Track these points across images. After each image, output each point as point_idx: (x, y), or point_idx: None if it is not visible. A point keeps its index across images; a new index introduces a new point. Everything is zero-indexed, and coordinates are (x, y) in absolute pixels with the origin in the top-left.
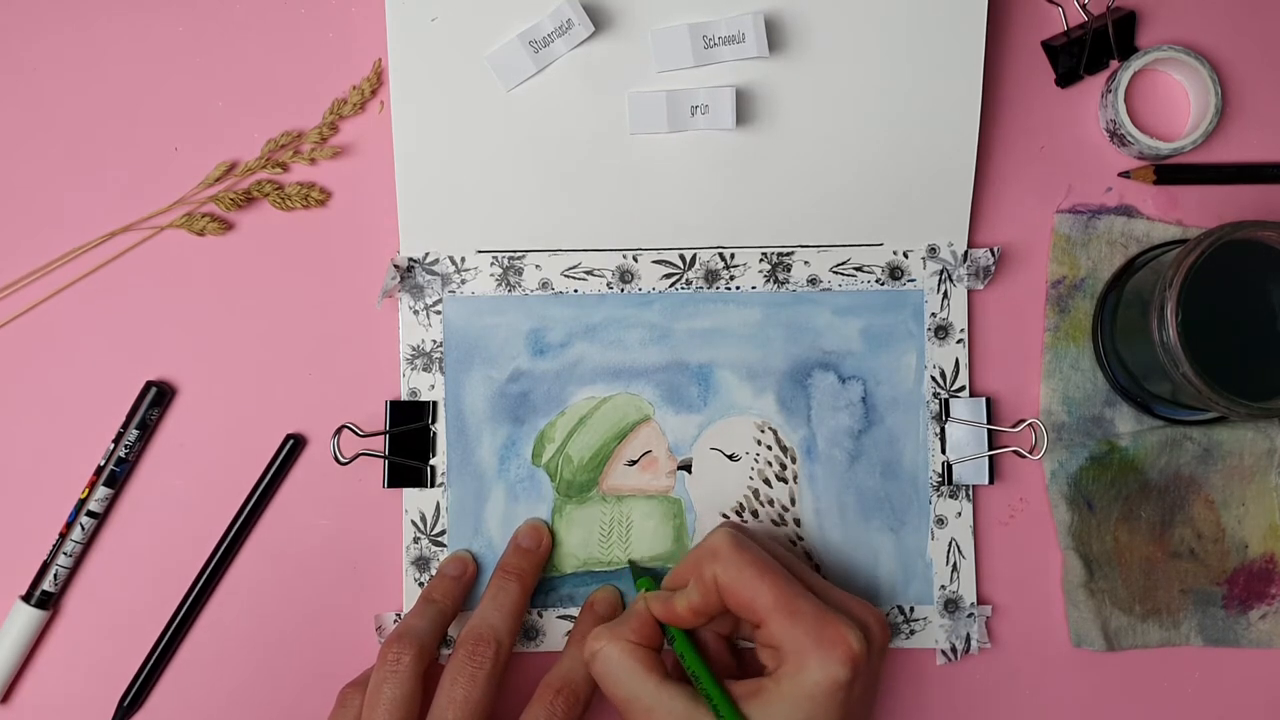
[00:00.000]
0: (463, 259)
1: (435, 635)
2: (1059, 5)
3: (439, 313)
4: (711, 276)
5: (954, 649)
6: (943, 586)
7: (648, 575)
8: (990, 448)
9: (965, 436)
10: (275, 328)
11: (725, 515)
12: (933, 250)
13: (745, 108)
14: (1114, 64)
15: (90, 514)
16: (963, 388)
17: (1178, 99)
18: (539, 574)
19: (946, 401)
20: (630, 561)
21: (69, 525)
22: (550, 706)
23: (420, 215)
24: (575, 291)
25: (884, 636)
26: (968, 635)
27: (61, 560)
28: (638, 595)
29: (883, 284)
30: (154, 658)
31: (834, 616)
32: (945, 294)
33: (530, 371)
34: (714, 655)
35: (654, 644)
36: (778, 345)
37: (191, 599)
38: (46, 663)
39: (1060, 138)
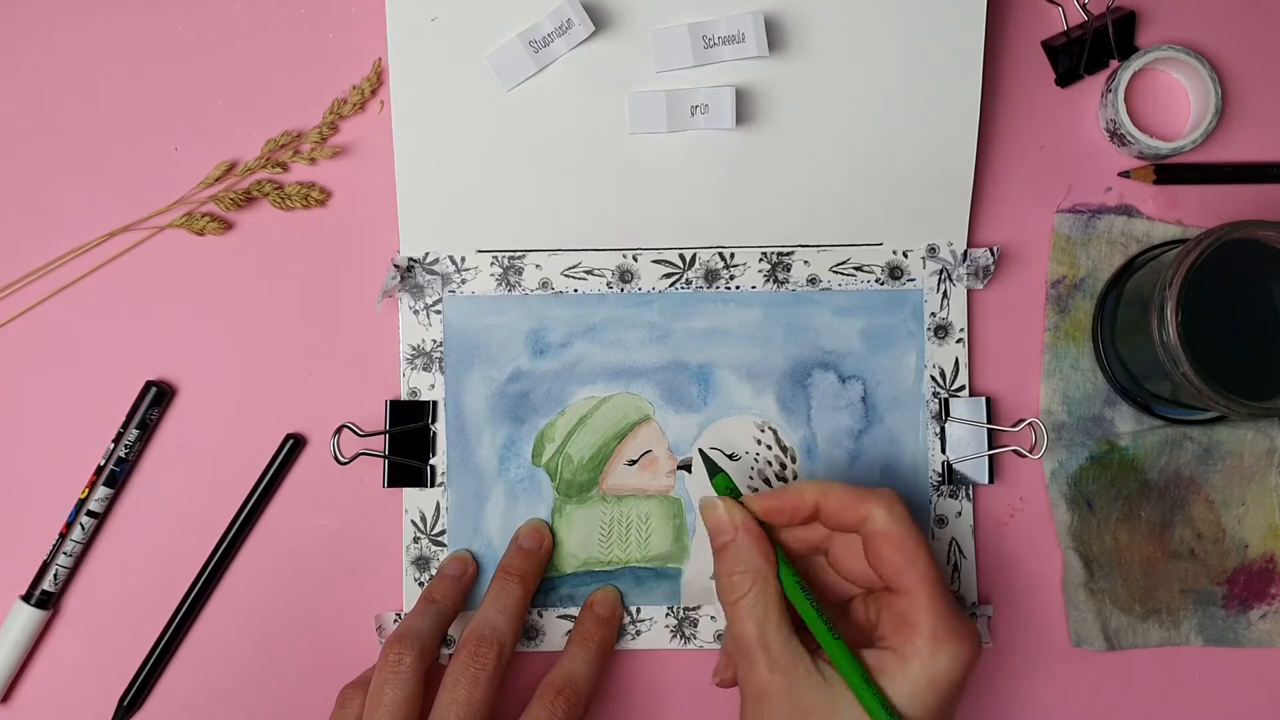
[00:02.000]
0: (463, 259)
1: (436, 636)
2: (1059, 5)
3: (439, 312)
4: (711, 276)
5: None
6: None
7: (724, 473)
8: (990, 447)
9: (965, 436)
10: (275, 327)
11: None
12: (932, 250)
13: (745, 107)
14: (1114, 64)
15: (90, 514)
16: (962, 387)
17: (1178, 99)
18: (540, 574)
19: (946, 401)
20: (701, 451)
21: (69, 525)
22: (551, 706)
23: (420, 215)
24: (575, 291)
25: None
26: None
27: (61, 560)
28: (710, 502)
29: (882, 284)
30: (154, 658)
31: (966, 616)
32: (945, 293)
33: (530, 371)
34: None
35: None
36: (777, 345)
37: (191, 599)
38: (46, 663)
39: (1060, 137)
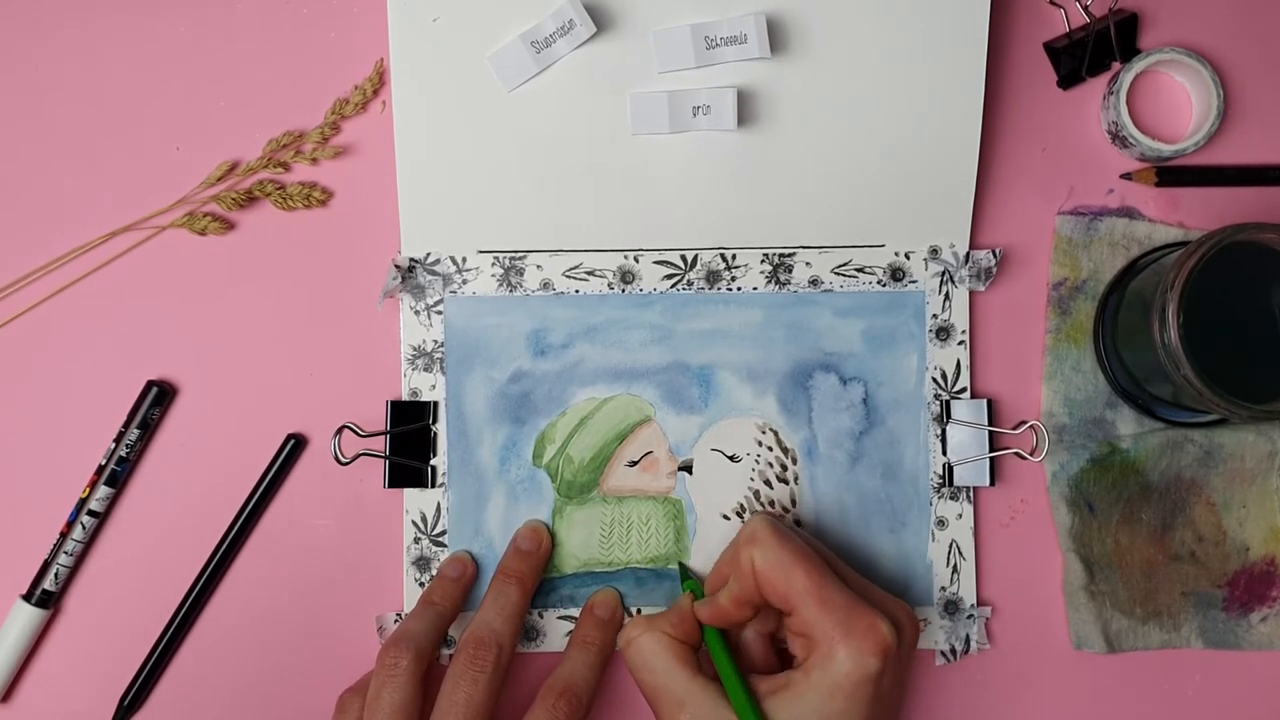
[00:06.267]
0: (464, 259)
1: (433, 638)
2: (1061, 7)
3: (440, 313)
4: (713, 277)
5: (953, 650)
6: (943, 588)
7: (696, 579)
8: (991, 449)
9: (966, 438)
10: (276, 327)
11: (726, 516)
12: (934, 251)
13: (747, 108)
14: (1116, 66)
15: (91, 513)
16: (964, 389)
17: (1179, 101)
18: (539, 576)
19: (948, 403)
20: (681, 564)
21: (70, 524)
22: (553, 709)
23: (421, 215)
24: (576, 292)
25: (914, 632)
26: (967, 636)
27: (62, 559)
28: (683, 595)
29: (884, 285)
30: (154, 658)
31: (866, 607)
32: (947, 295)
33: (531, 372)
34: (756, 656)
35: (692, 641)
36: (779, 346)
37: (192, 599)
38: (47, 662)
39: (1062, 139)
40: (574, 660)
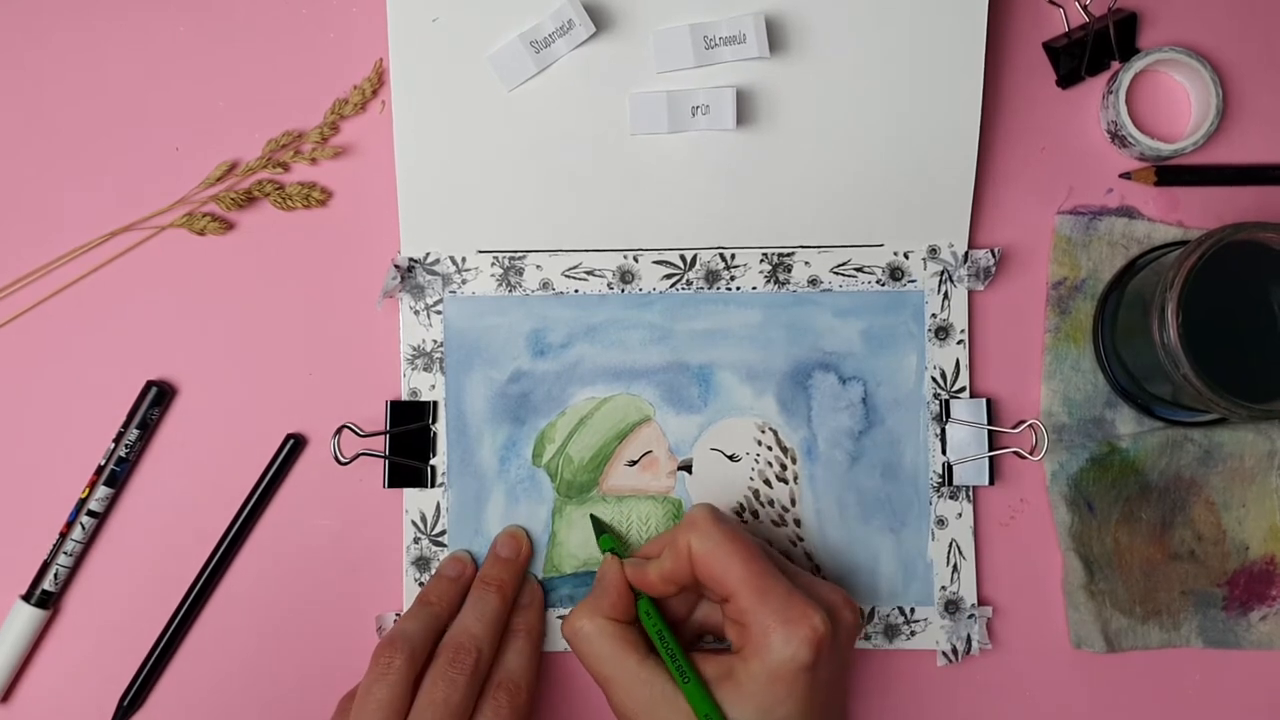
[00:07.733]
0: (463, 259)
1: (428, 638)
2: (1060, 6)
3: (439, 313)
4: (712, 277)
5: (954, 650)
6: (943, 587)
7: (609, 533)
8: (991, 449)
9: (966, 437)
10: (276, 327)
11: None
12: (933, 251)
13: (746, 108)
14: (1115, 65)
15: (91, 513)
16: (963, 389)
17: (1179, 100)
18: (519, 581)
19: (947, 402)
20: (593, 516)
21: (69, 525)
22: (494, 701)
23: (421, 215)
24: (576, 292)
25: (852, 619)
26: (968, 636)
27: (62, 560)
28: (605, 560)
29: (883, 285)
30: (154, 658)
31: (800, 597)
32: (946, 295)
33: (531, 372)
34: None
35: (630, 618)
36: (778, 346)
37: (191, 599)
38: (46, 662)
39: (1061, 139)
40: (517, 652)
